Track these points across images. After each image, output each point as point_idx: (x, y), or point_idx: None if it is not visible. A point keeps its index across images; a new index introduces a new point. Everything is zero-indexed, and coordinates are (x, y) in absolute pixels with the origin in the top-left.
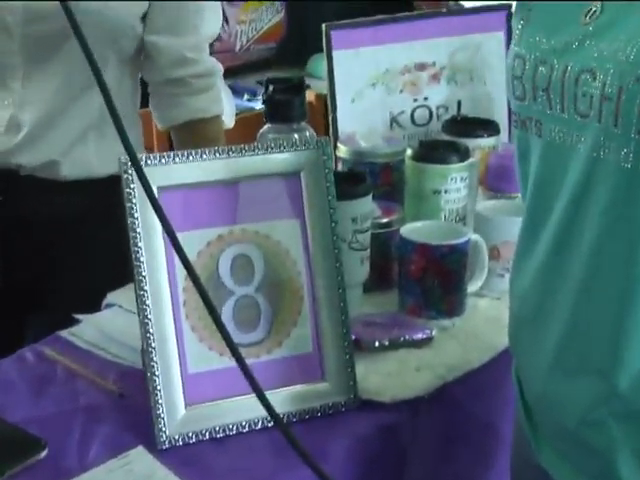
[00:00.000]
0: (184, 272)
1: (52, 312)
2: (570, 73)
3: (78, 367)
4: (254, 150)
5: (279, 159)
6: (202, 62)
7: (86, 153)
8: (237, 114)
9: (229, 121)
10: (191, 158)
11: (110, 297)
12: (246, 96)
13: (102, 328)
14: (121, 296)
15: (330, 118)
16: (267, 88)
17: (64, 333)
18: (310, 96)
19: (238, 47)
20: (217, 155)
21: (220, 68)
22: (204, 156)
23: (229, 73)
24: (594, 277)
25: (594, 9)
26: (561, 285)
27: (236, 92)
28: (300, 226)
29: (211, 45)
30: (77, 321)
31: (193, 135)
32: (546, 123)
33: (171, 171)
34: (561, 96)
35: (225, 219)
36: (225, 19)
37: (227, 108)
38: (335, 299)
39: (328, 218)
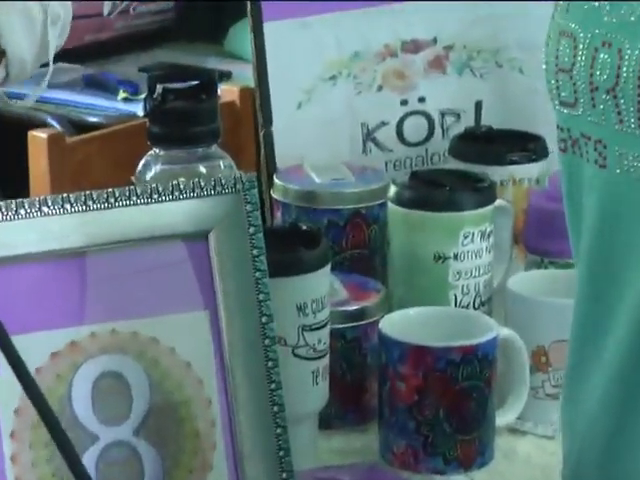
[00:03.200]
0: (12, 404)
1: None
2: None
3: None
4: (129, 197)
5: (174, 212)
6: None
7: None
8: (103, 126)
9: None
10: (23, 212)
11: None
12: (122, 93)
13: None
14: None
15: (261, 136)
16: (152, 86)
17: None
18: (231, 93)
19: (108, 9)
20: (67, 207)
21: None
22: (45, 209)
23: (94, 53)
24: None
25: None
26: None
27: (105, 87)
28: (209, 322)
29: None
30: None
31: None
32: (612, 145)
33: None
34: (637, 102)
35: (82, 314)
36: None
37: None
38: (270, 445)
39: (255, 308)
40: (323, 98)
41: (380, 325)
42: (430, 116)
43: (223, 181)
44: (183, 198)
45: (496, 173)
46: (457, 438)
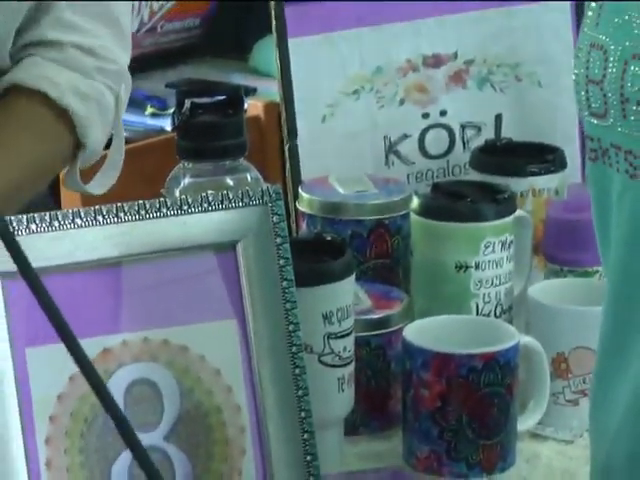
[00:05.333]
0: (47, 411)
1: None
2: None
3: None
4: (160, 209)
5: (203, 223)
6: (98, 37)
7: None
8: (132, 141)
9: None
10: (56, 224)
11: None
12: (150, 109)
13: None
14: None
15: (287, 149)
16: (181, 102)
17: None
18: (256, 108)
19: (137, 25)
20: (99, 219)
21: (127, 77)
22: (78, 220)
23: None
24: None
25: None
26: None
27: (132, 102)
28: (238, 331)
29: None
30: None
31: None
32: None
33: (23, 246)
34: None
35: (114, 323)
36: None
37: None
38: (297, 450)
39: (282, 316)
40: (347, 112)
41: (404, 333)
42: (451, 129)
43: (250, 193)
44: (212, 210)
45: (516, 184)
46: (480, 443)
